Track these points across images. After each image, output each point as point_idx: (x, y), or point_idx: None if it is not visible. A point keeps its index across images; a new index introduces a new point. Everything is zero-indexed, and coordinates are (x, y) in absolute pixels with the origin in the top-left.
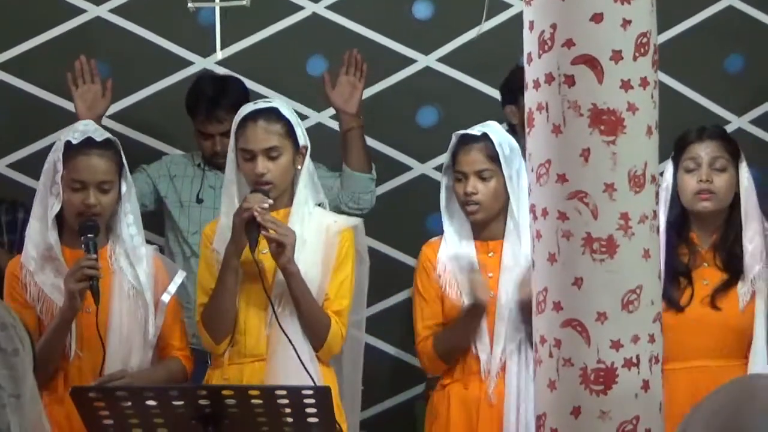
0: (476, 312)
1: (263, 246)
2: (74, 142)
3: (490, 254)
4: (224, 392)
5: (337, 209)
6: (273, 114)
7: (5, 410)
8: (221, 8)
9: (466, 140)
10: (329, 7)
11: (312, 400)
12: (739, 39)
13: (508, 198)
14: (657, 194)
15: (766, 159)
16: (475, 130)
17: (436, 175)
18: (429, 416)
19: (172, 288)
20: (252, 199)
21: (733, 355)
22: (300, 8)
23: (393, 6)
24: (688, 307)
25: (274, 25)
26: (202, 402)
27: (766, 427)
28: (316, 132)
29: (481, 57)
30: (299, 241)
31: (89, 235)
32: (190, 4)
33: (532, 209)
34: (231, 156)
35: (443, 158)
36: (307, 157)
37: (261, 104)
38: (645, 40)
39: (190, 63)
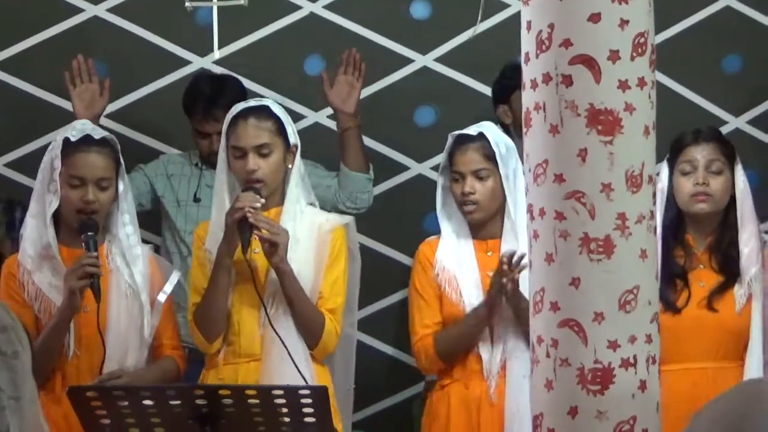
0: (490, 314)
1: (256, 245)
2: (73, 139)
3: (489, 253)
4: (221, 392)
5: (335, 209)
6: (264, 112)
7: (5, 412)
8: (219, 7)
9: (463, 140)
10: (327, 7)
11: (309, 400)
12: (737, 39)
13: (505, 197)
14: (654, 195)
15: (764, 160)
16: (471, 130)
17: (434, 175)
18: (427, 417)
19: (168, 287)
20: (244, 198)
21: (730, 357)
22: (297, 8)
23: (390, 6)
24: (685, 309)
25: (272, 24)
26: (199, 402)
27: None
28: (313, 132)
29: (479, 57)
30: (292, 240)
31: (89, 233)
32: (187, 4)
33: (530, 209)
34: (222, 156)
35: (441, 158)
36: (298, 156)
37: (252, 102)
38: (642, 40)
39: (187, 62)
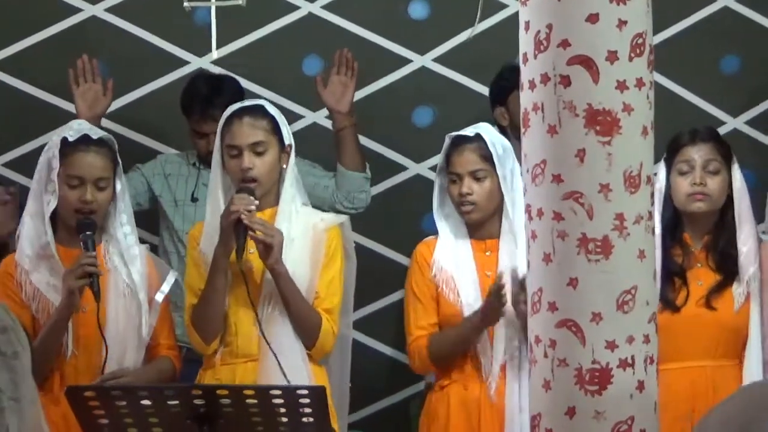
0: (487, 323)
1: (251, 246)
2: (71, 139)
3: (487, 253)
4: (219, 392)
5: (333, 209)
6: (259, 111)
7: (4, 413)
8: (217, 8)
9: (460, 141)
10: (325, 7)
11: (307, 400)
12: (735, 40)
13: (502, 198)
14: (652, 195)
15: (762, 160)
16: (468, 131)
17: (432, 175)
18: (425, 417)
19: (166, 287)
20: (238, 200)
21: (729, 355)
22: (296, 8)
23: (389, 6)
24: (683, 308)
25: (270, 24)
26: (197, 402)
27: None
28: (311, 132)
29: (477, 57)
30: (287, 240)
31: (88, 233)
32: (186, 4)
33: (528, 209)
34: (216, 157)
35: (438, 159)
36: (292, 157)
37: (246, 103)
38: (641, 40)
39: (185, 62)
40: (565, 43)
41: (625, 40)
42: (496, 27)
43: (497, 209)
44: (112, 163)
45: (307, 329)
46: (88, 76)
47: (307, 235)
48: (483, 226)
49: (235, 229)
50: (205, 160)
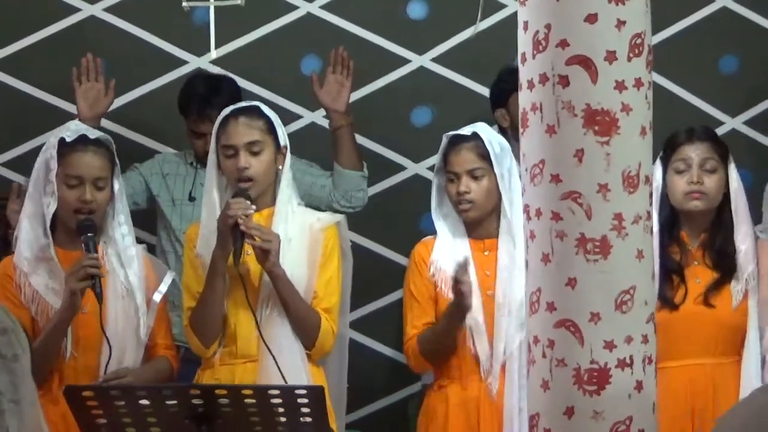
0: (459, 311)
1: (248, 248)
2: (68, 139)
3: (486, 252)
4: (217, 392)
5: (330, 208)
6: (254, 111)
7: (4, 415)
8: (216, 7)
9: (457, 140)
10: (323, 7)
11: (305, 400)
12: (734, 40)
13: (500, 197)
14: (651, 195)
15: (760, 160)
16: (466, 130)
17: (430, 175)
18: (423, 417)
19: (163, 287)
20: (235, 205)
21: (728, 353)
22: (294, 8)
23: (387, 6)
24: (682, 306)
25: (269, 24)
26: (196, 401)
27: None
28: (309, 131)
29: (476, 57)
30: (284, 241)
31: (89, 234)
32: (184, 3)
33: (526, 209)
34: (212, 158)
35: (436, 158)
36: (288, 158)
37: (242, 104)
38: (639, 40)
39: (184, 62)
40: (563, 43)
41: (623, 40)
42: (494, 27)
43: (495, 208)
44: (110, 163)
45: (306, 329)
46: (91, 75)
47: (304, 235)
48: (481, 225)
49: (232, 233)
50: (202, 160)
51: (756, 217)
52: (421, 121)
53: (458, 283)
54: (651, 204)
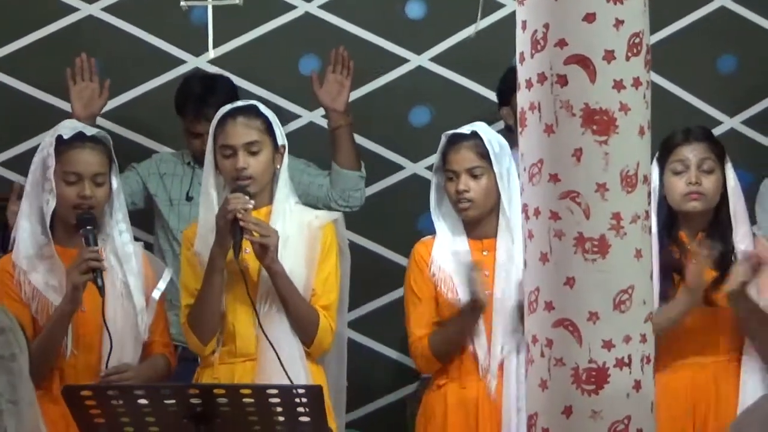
0: (475, 310)
1: (247, 245)
2: (65, 137)
3: (484, 252)
4: (216, 391)
5: (327, 207)
6: (252, 111)
7: (3, 416)
8: (214, 7)
9: (456, 139)
10: (322, 7)
11: (304, 399)
12: (732, 39)
13: (499, 195)
14: (649, 194)
15: (758, 160)
16: (465, 129)
17: (429, 175)
18: (422, 417)
19: (162, 285)
20: (233, 200)
21: (728, 351)
22: (293, 7)
23: (386, 5)
24: None
25: (267, 24)
26: (194, 401)
27: None
28: (308, 131)
29: (474, 57)
30: (282, 239)
31: (89, 227)
32: (182, 3)
33: (525, 209)
34: (209, 158)
35: (435, 157)
36: (285, 158)
37: (239, 103)
38: (637, 40)
39: (182, 62)
40: (562, 43)
41: (621, 40)
42: (493, 26)
43: (494, 207)
44: (107, 159)
45: (305, 327)
46: (86, 75)
47: (302, 233)
48: (480, 224)
49: (231, 228)
50: (199, 160)
51: (752, 217)
52: (420, 121)
53: (472, 282)
54: (649, 203)
